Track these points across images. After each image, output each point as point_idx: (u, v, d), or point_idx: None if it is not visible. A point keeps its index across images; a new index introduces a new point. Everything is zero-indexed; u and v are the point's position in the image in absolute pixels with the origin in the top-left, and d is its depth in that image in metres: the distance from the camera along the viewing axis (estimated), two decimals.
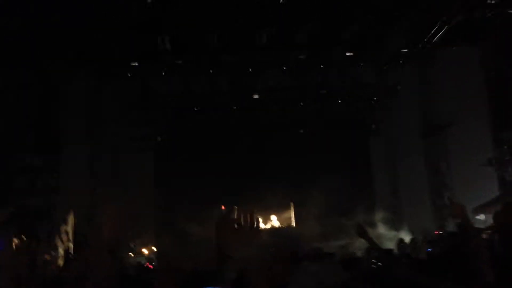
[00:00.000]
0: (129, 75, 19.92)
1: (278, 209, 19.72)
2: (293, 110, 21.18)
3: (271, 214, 19.68)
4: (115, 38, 17.19)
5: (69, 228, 15.33)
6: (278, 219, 19.73)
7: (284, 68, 20.06)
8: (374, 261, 6.75)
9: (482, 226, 16.78)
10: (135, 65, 19.53)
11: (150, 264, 14.31)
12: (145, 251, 17.12)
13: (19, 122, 16.56)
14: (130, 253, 16.85)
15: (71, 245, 15.04)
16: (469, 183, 19.19)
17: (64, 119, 17.12)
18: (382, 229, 19.28)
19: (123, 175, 19.90)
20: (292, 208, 19.89)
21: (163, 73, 19.86)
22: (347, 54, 19.80)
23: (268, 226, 19.53)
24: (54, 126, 16.50)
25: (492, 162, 18.22)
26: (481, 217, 18.69)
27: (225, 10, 16.26)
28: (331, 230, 17.65)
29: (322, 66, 20.03)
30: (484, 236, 12.84)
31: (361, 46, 19.23)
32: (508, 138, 18.12)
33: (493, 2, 16.88)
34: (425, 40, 19.01)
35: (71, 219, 15.64)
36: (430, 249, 12.30)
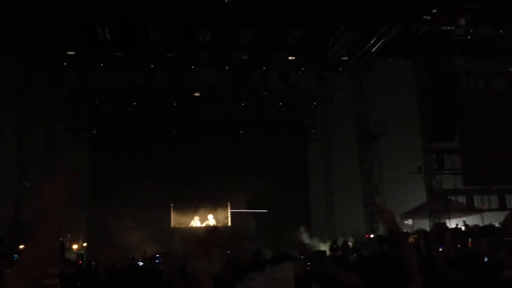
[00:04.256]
0: (64, 64, 19.19)
1: (216, 208, 19.64)
2: (234, 110, 21.17)
3: (208, 213, 19.56)
4: (52, 25, 16.48)
5: None
6: (214, 218, 19.65)
7: (226, 67, 20.04)
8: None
9: (409, 230, 17.59)
10: (72, 54, 18.87)
11: (80, 260, 13.85)
12: (75, 246, 16.50)
13: None
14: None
15: None
16: (399, 189, 20.08)
17: None
18: (316, 231, 19.71)
19: (56, 167, 19.04)
20: (228, 208, 19.88)
21: (102, 65, 19.30)
22: (289, 58, 20.12)
23: (204, 224, 19.42)
24: None
25: (421, 170, 19.08)
26: (409, 222, 19.61)
27: (169, 5, 16.02)
28: (264, 230, 17.88)
29: (264, 68, 20.19)
30: (411, 239, 13.45)
31: (303, 52, 19.59)
32: (437, 148, 19.08)
33: (428, 18, 17.74)
34: (364, 50, 19.68)
35: None
36: (361, 252, 12.75)
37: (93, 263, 11.74)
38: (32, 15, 15.83)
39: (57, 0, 15.41)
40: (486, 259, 7.35)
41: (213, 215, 19.63)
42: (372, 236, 17.95)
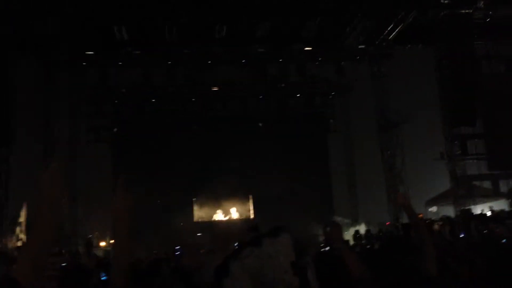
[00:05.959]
0: (84, 64, 19.44)
1: (238, 202, 19.76)
2: (253, 103, 21.22)
3: (231, 206, 19.70)
4: (70, 26, 16.72)
5: (23, 220, 14.94)
6: (237, 211, 19.78)
7: (244, 61, 20.06)
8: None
9: (434, 218, 17.42)
10: (91, 54, 19.10)
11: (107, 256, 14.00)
12: (102, 243, 16.78)
13: None
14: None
15: (25, 237, 14.65)
16: (423, 177, 19.85)
17: (16, 110, 16.48)
18: (339, 220, 19.63)
19: (80, 166, 19.36)
20: (250, 201, 19.98)
21: (120, 63, 19.50)
22: (305, 49, 20.03)
23: (227, 218, 19.58)
24: (5, 117, 15.86)
25: (444, 157, 18.83)
26: (433, 209, 19.39)
27: (184, 3, 16.11)
28: (288, 222, 17.84)
29: (281, 60, 20.16)
30: (436, 227, 13.32)
31: (320, 42, 19.48)
32: (459, 134, 18.79)
33: (446, 2, 17.45)
34: (381, 38, 19.47)
35: (25, 211, 15.26)
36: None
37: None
38: (48, 16, 16.07)
39: (73, 1, 15.62)
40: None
41: (236, 208, 19.77)
42: (396, 224, 17.81)
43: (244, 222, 19.16)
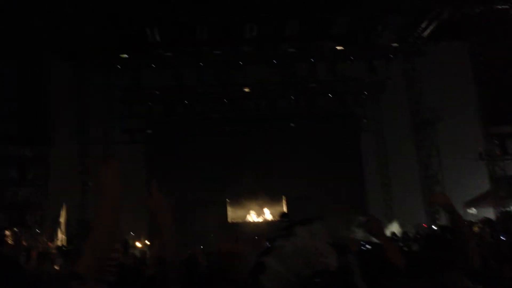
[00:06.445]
0: (119, 67, 19.70)
1: (271, 203, 19.67)
2: (284, 103, 21.09)
3: (264, 207, 19.63)
4: (104, 29, 17.00)
5: (63, 220, 15.21)
6: (271, 213, 19.68)
7: (274, 61, 19.96)
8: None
9: (473, 220, 16.94)
10: (125, 57, 19.35)
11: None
12: (138, 244, 16.97)
13: (6, 113, 16.25)
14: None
15: (64, 237, 14.95)
16: (460, 177, 19.29)
17: (53, 111, 16.88)
18: None
19: None
20: (284, 202, 19.87)
21: (153, 66, 19.68)
22: (337, 48, 19.78)
23: (261, 219, 19.51)
24: (44, 118, 16.26)
25: (483, 156, 18.26)
26: (473, 210, 18.80)
27: (215, 3, 16.16)
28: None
29: (312, 60, 19.97)
30: (476, 228, 12.92)
31: (351, 41, 19.22)
32: (498, 132, 18.19)
33: None
34: (415, 35, 19.06)
35: (64, 212, 15.55)
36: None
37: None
38: (83, 21, 16.37)
39: (107, 6, 15.86)
40: None
41: (269, 209, 19.68)
42: (433, 227, 17.36)
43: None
